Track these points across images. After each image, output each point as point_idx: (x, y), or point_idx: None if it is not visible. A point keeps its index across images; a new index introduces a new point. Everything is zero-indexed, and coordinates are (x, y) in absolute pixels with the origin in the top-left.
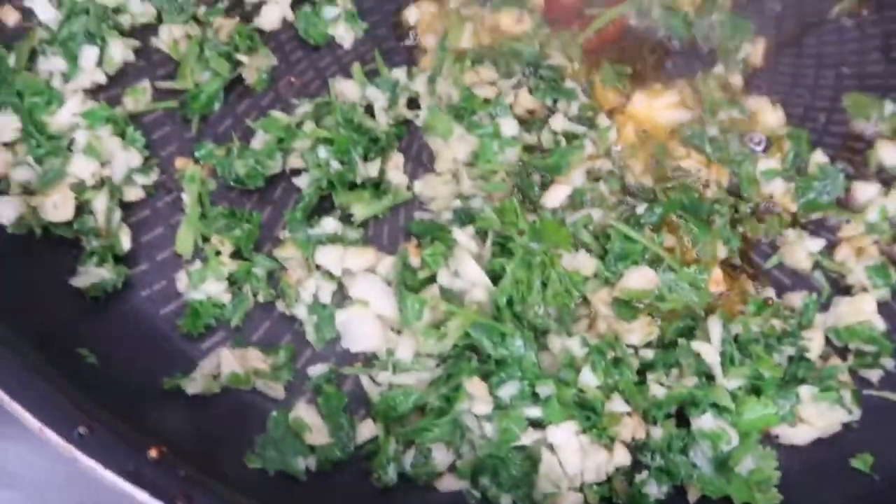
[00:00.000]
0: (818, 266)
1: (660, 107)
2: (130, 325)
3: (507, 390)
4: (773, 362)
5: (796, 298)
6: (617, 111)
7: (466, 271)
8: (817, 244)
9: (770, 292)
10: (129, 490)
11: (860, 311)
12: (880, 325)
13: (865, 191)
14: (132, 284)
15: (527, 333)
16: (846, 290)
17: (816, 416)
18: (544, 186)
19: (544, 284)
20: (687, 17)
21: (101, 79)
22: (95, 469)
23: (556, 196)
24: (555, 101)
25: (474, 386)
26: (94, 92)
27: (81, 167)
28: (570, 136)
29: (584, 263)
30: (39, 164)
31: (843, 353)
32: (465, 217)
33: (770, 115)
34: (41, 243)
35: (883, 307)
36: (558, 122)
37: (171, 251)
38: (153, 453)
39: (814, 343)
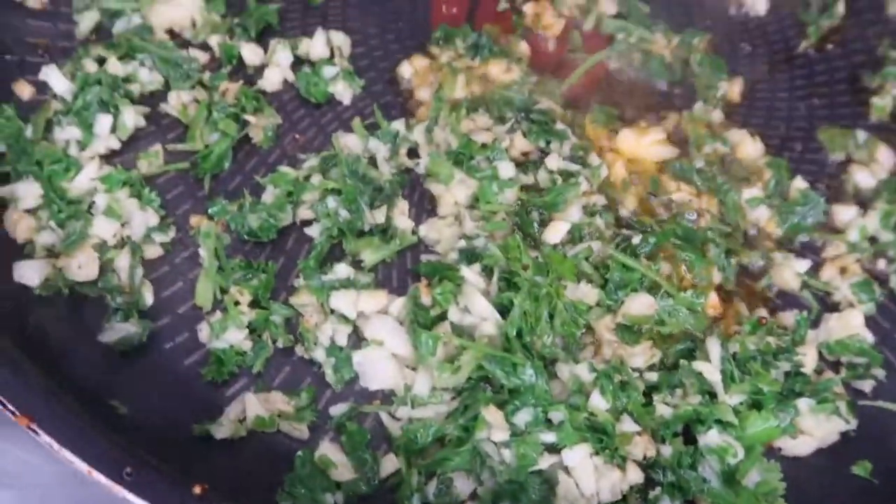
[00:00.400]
0: (806, 286)
1: (646, 144)
2: (157, 376)
3: (522, 417)
4: (771, 377)
5: (788, 317)
6: (606, 150)
7: (476, 307)
8: (803, 265)
9: (762, 312)
10: None
11: (849, 325)
12: (869, 337)
13: (845, 213)
14: (156, 337)
15: (536, 363)
16: (834, 307)
17: (815, 427)
18: (542, 223)
19: (551, 315)
20: (664, 60)
21: (115, 144)
22: None
23: (556, 232)
24: (548, 143)
25: (492, 414)
26: (108, 157)
27: (103, 229)
28: (566, 175)
29: (587, 293)
30: (61, 228)
31: (835, 366)
32: (470, 256)
33: (750, 147)
34: (68, 302)
35: (870, 321)
36: (554, 162)
37: (191, 304)
38: (197, 490)
39: (808, 358)
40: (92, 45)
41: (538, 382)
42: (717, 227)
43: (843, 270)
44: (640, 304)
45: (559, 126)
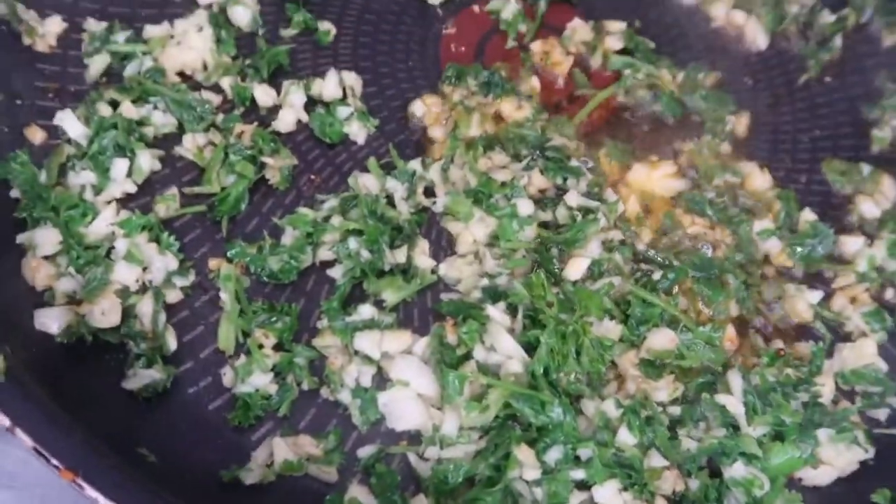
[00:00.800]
0: (818, 316)
1: (658, 177)
2: (182, 421)
3: (553, 455)
4: (792, 409)
5: (803, 348)
6: (619, 184)
7: (502, 345)
8: (815, 296)
9: (778, 344)
10: None
11: (863, 355)
12: (883, 366)
13: (852, 243)
14: (179, 382)
15: (564, 400)
16: (847, 337)
17: (835, 457)
18: (562, 260)
19: (577, 352)
20: (672, 95)
21: (132, 188)
22: None
23: (577, 268)
24: (564, 180)
25: (523, 453)
26: (124, 201)
27: (125, 274)
28: (585, 211)
29: (611, 329)
30: (81, 274)
31: (850, 395)
32: (494, 294)
33: (759, 179)
34: (89, 349)
35: (882, 349)
36: (573, 199)
37: (214, 348)
38: None
39: (825, 388)
40: (104, 88)
41: (566, 420)
42: (733, 258)
43: (853, 300)
44: (662, 339)
45: (574, 163)
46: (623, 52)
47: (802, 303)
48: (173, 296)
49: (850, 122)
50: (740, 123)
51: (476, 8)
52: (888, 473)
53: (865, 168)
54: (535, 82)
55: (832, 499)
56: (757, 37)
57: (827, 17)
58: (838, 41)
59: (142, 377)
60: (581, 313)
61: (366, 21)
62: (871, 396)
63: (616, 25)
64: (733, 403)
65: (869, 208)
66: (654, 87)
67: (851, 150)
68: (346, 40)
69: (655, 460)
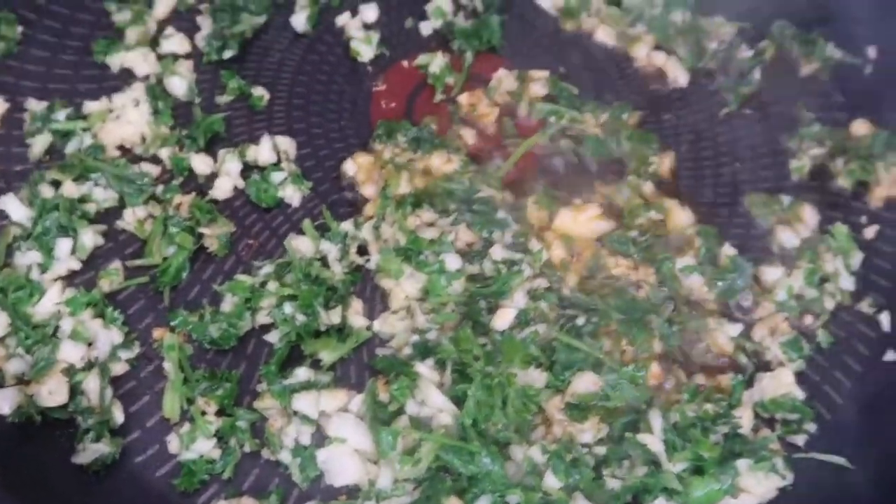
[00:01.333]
0: (739, 348)
1: (584, 220)
2: (129, 491)
3: (482, 503)
4: (711, 443)
5: (724, 380)
6: (546, 230)
7: (432, 400)
8: (736, 329)
9: (701, 378)
10: None
11: (781, 384)
12: (799, 394)
13: (771, 273)
14: (127, 452)
15: (492, 448)
16: (766, 366)
17: (755, 485)
18: (490, 311)
19: (504, 402)
20: (597, 138)
21: (76, 265)
22: None
23: (504, 319)
24: (490, 232)
25: None
26: (69, 277)
27: (71, 353)
28: (509, 263)
29: (536, 377)
30: (29, 354)
31: (770, 423)
32: (424, 350)
33: (680, 216)
34: (38, 427)
35: (800, 377)
36: (498, 252)
37: (159, 416)
38: None
39: (744, 419)
40: (46, 167)
41: (494, 468)
42: (657, 295)
43: (772, 330)
44: (585, 382)
45: (500, 214)
46: (548, 99)
47: (723, 336)
48: (119, 368)
49: (769, 153)
50: (664, 162)
51: (405, 63)
52: (805, 497)
53: (785, 199)
54: (464, 134)
55: None
56: (678, 75)
57: (745, 52)
58: (757, 74)
59: (91, 451)
60: (506, 365)
61: (298, 83)
62: (789, 424)
63: (540, 73)
64: (653, 441)
65: (788, 238)
66: (579, 132)
67: (772, 181)
68: (279, 104)
69: (580, 502)
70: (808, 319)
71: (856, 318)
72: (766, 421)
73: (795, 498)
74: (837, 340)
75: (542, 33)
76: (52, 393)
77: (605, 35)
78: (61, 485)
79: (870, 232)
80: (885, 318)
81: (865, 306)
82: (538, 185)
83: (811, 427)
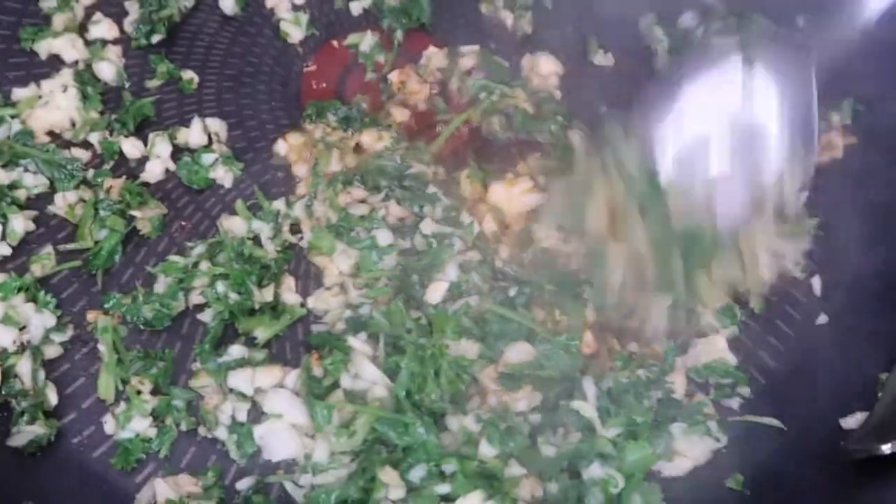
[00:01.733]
0: (672, 317)
1: (516, 194)
2: (67, 472)
3: (417, 473)
4: (644, 407)
5: (657, 347)
6: (479, 204)
7: (365, 373)
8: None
9: (633, 347)
10: None
11: (714, 350)
12: (732, 359)
13: None
14: (63, 434)
15: (426, 419)
16: (700, 333)
17: (689, 449)
18: (423, 284)
19: (437, 373)
20: (526, 113)
21: (7, 251)
22: None
23: (436, 292)
24: (421, 207)
25: (387, 475)
26: (0, 263)
27: (2, 337)
28: (440, 237)
29: (468, 348)
30: None
31: (705, 387)
32: (357, 325)
33: None
34: None
35: (733, 343)
36: (428, 226)
37: (95, 398)
38: None
39: (677, 384)
40: None
41: (429, 438)
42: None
43: None
44: (519, 353)
45: (431, 189)
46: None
47: (656, 307)
48: (52, 351)
49: None
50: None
51: (335, 43)
52: (740, 459)
53: None
54: (395, 112)
55: (690, 487)
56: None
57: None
58: None
59: (26, 434)
60: (438, 336)
61: (228, 65)
62: (723, 388)
63: (469, 48)
64: (587, 408)
65: None
66: (509, 107)
67: None
68: (209, 86)
69: (515, 469)
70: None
71: (788, 282)
72: (700, 386)
73: (729, 460)
74: (770, 305)
75: (470, 9)
76: None
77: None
78: None
79: (801, 197)
80: (816, 283)
81: (797, 271)
82: (470, 161)
83: (745, 391)
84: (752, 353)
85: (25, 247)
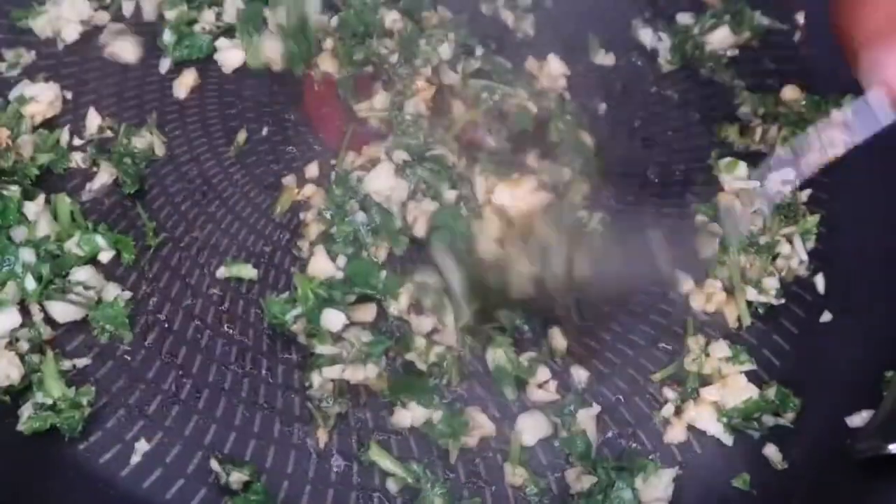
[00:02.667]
0: None
1: (522, 195)
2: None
3: None
4: None
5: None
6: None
7: None
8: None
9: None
10: None
11: (737, 389)
12: (755, 391)
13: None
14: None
15: None
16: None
17: None
18: None
19: None
20: (529, 113)
21: None
22: None
23: None
24: None
25: None
26: None
27: None
28: None
29: None
30: None
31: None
32: None
33: None
34: None
35: (737, 338)
36: None
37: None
38: None
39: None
40: None
41: None
42: None
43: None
44: None
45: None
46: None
47: None
48: None
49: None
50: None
51: None
52: (747, 459)
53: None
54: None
55: (696, 487)
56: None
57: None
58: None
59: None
60: None
61: None
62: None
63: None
64: None
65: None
66: (514, 107)
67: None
68: None
69: None
70: None
71: (792, 280)
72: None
73: (735, 459)
74: (774, 304)
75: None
76: None
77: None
78: None
79: (802, 196)
80: (819, 280)
81: (802, 270)
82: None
83: (789, 416)
84: (757, 351)
85: None
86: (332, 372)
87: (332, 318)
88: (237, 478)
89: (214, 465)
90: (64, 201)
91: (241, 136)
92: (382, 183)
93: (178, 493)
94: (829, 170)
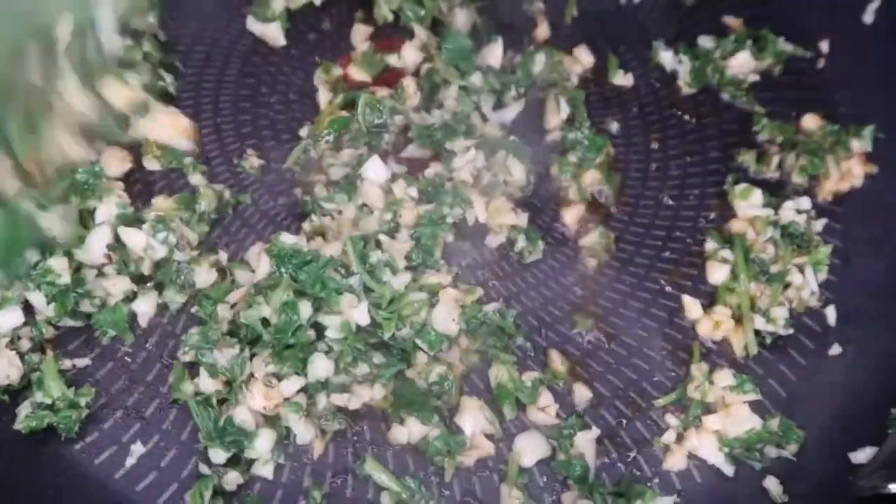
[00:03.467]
0: None
1: None
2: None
3: None
4: None
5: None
6: None
7: None
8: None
9: None
10: None
11: (740, 419)
12: (758, 421)
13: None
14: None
15: None
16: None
17: None
18: None
19: None
20: None
21: None
22: None
23: None
24: None
25: None
26: None
27: None
28: None
29: None
30: None
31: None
32: None
33: None
34: None
35: (743, 367)
36: None
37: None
38: None
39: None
40: None
41: None
42: None
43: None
44: None
45: None
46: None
47: None
48: None
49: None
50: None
51: None
52: (749, 490)
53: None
54: None
55: None
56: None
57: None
58: None
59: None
60: None
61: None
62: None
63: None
64: None
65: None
66: None
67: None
68: None
69: None
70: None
71: (802, 311)
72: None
73: (737, 490)
74: (782, 334)
75: None
76: None
77: None
78: None
79: (818, 225)
80: (830, 312)
81: (813, 300)
82: None
83: (792, 448)
84: (762, 380)
85: None
86: (339, 399)
87: None
88: (233, 477)
89: (205, 469)
90: None
91: None
92: None
93: (171, 499)
94: (845, 201)
